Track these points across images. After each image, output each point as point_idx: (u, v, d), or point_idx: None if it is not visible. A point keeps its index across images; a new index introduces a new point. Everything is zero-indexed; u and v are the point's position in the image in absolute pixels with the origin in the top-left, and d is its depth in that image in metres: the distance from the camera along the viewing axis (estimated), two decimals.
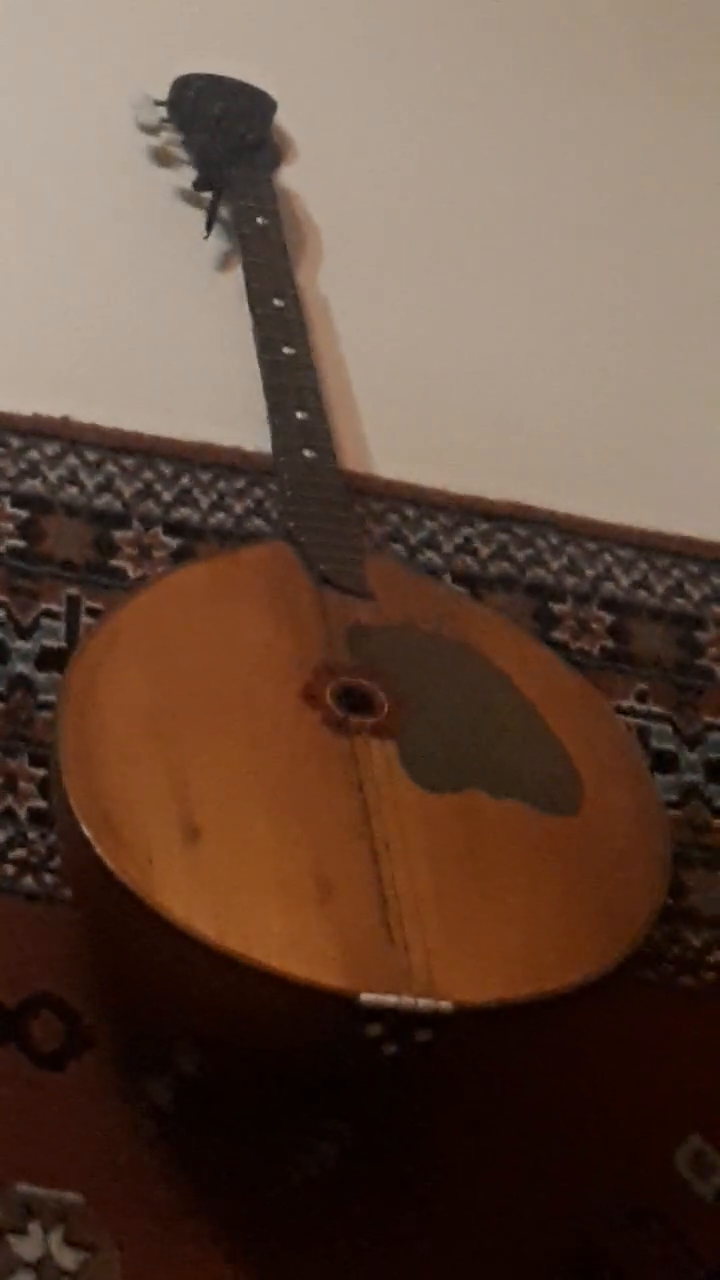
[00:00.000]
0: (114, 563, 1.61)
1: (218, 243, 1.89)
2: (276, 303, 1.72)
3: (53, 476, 1.65)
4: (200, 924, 1.20)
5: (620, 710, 1.61)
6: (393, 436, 1.77)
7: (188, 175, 1.94)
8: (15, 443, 1.66)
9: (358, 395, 1.79)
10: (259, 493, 1.68)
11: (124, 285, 1.84)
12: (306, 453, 1.58)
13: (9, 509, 1.62)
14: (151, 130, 1.96)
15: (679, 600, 1.71)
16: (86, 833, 1.24)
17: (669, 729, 1.62)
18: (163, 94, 1.97)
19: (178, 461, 1.69)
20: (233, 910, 1.22)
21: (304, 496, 1.54)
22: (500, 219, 2.05)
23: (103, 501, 1.65)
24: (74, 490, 1.65)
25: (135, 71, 2.00)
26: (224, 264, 1.87)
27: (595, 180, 2.13)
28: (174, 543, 1.64)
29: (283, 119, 2.00)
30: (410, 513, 1.72)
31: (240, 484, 1.69)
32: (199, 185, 1.91)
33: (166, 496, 1.67)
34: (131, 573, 1.61)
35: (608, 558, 1.73)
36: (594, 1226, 1.32)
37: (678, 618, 1.70)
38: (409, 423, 1.80)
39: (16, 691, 1.50)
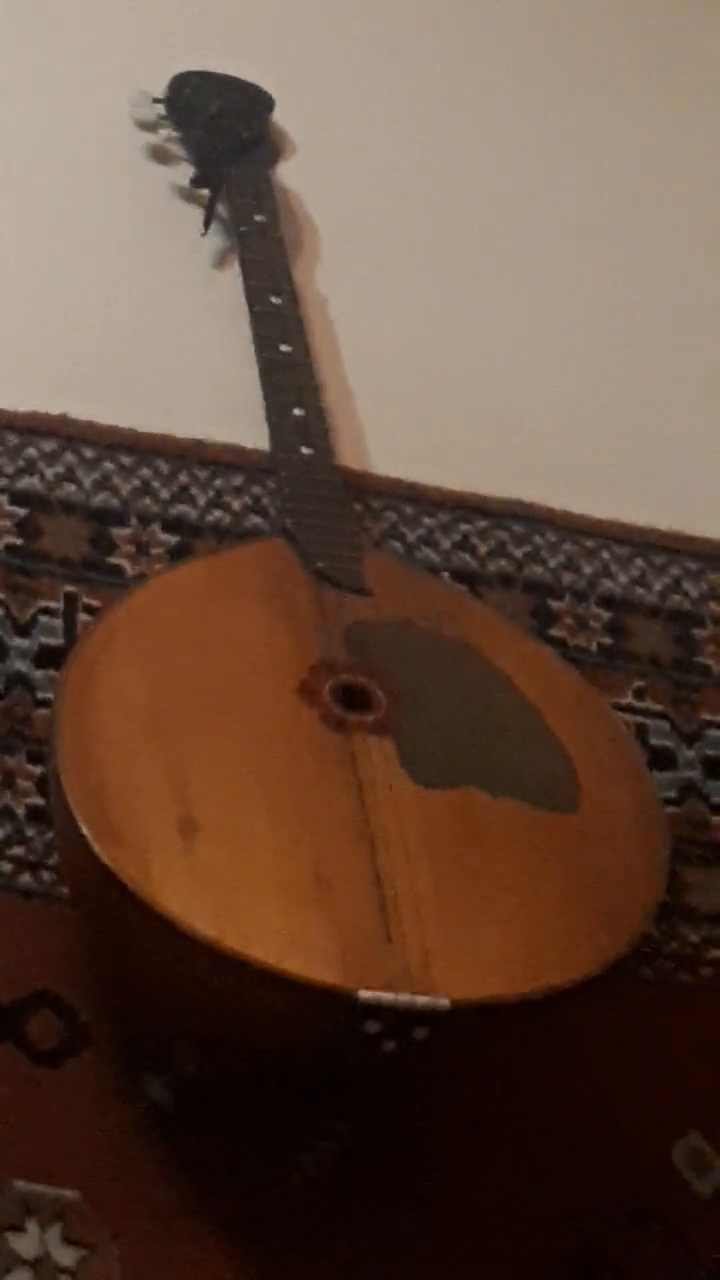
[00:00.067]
0: (111, 560, 1.61)
1: (215, 240, 1.88)
2: (274, 300, 1.72)
3: (50, 474, 1.65)
4: (199, 922, 1.20)
5: (618, 707, 1.61)
6: (391, 434, 1.77)
7: (185, 172, 1.94)
8: (13, 440, 1.66)
9: (355, 392, 1.79)
10: (257, 490, 1.68)
11: (122, 282, 1.84)
12: (304, 450, 1.58)
13: (7, 506, 1.62)
14: (149, 127, 1.97)
15: (676, 597, 1.71)
16: (84, 831, 1.24)
17: (667, 726, 1.62)
18: (161, 91, 1.97)
19: (175, 459, 1.69)
20: (231, 908, 1.21)
21: (302, 494, 1.54)
22: (500, 218, 2.05)
23: (100, 499, 1.65)
24: (71, 487, 1.65)
25: (133, 69, 2.00)
26: (222, 261, 1.87)
27: (595, 180, 2.13)
28: (171, 540, 1.64)
29: (280, 116, 2.00)
30: (408, 510, 1.71)
31: (238, 481, 1.69)
32: (197, 182, 1.91)
33: (164, 494, 1.67)
34: (129, 570, 1.61)
35: (605, 555, 1.73)
36: (594, 1226, 1.32)
37: (675, 615, 1.70)
38: (407, 420, 1.80)
39: (14, 689, 1.50)
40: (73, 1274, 1.23)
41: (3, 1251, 1.23)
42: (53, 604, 1.56)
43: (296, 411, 1.61)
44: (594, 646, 1.66)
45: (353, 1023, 1.19)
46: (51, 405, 1.69)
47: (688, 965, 1.47)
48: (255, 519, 1.66)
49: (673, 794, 1.57)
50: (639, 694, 1.64)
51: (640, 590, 1.71)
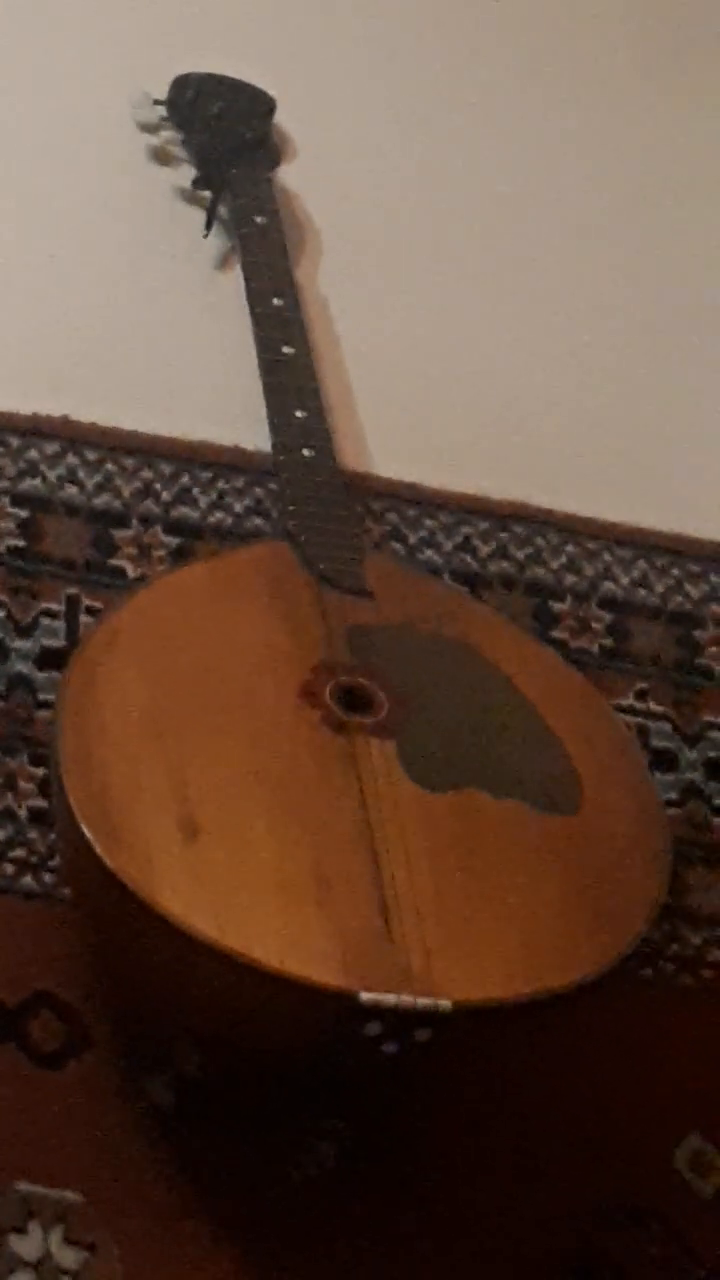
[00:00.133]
0: (113, 562, 1.61)
1: (217, 242, 1.89)
2: (276, 302, 1.72)
3: (52, 476, 1.65)
4: (200, 923, 1.20)
5: (620, 709, 1.61)
6: (392, 435, 1.77)
7: (187, 174, 1.94)
8: (15, 442, 1.66)
9: (357, 394, 1.79)
10: (258, 492, 1.68)
11: (123, 284, 1.84)
12: (306, 452, 1.58)
13: (8, 508, 1.62)
14: (151, 129, 1.97)
15: (678, 599, 1.71)
16: (86, 832, 1.24)
17: (668, 727, 1.62)
18: (162, 93, 1.97)
19: (177, 460, 1.69)
20: (232, 909, 1.22)
21: (303, 495, 1.54)
22: (500, 218, 2.05)
23: (102, 501, 1.65)
24: (73, 489, 1.65)
25: (135, 70, 2.00)
26: (223, 263, 1.87)
27: (595, 180, 2.12)
28: (173, 542, 1.64)
29: (282, 118, 2.00)
30: (410, 511, 1.71)
31: (239, 483, 1.69)
32: (198, 184, 1.91)
33: (166, 496, 1.67)
34: (131, 572, 1.61)
35: (607, 556, 1.73)
36: (594, 1226, 1.32)
37: (677, 616, 1.70)
38: (408, 421, 1.80)
39: (16, 691, 1.50)
40: (75, 1275, 1.23)
41: (5, 1253, 1.23)
42: (55, 606, 1.57)
43: (298, 413, 1.61)
44: (595, 648, 1.66)
45: (353, 1024, 1.19)
46: (53, 407, 1.69)
47: (689, 967, 1.47)
48: (257, 521, 1.66)
49: (674, 795, 1.57)
50: (640, 695, 1.64)
51: (642, 592, 1.71)
